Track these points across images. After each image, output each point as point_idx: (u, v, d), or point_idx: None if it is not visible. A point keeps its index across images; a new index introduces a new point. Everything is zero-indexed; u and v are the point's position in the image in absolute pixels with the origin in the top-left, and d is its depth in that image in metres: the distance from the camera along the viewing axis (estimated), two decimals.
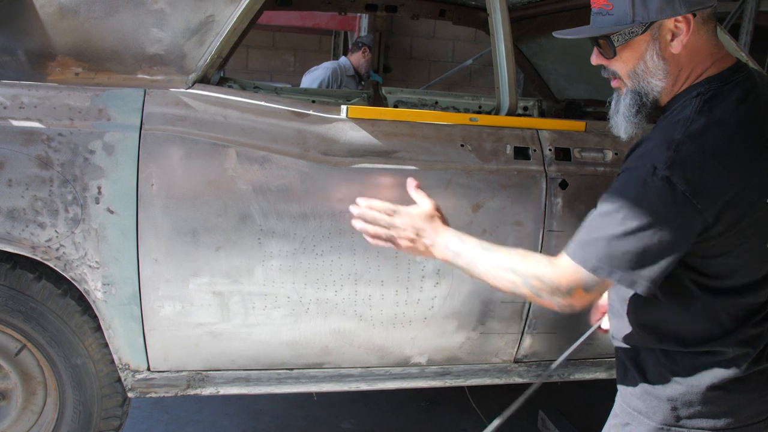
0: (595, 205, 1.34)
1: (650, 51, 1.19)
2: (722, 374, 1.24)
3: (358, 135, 1.78)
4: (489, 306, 1.92)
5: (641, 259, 1.14)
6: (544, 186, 1.87)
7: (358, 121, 1.80)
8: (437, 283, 1.86)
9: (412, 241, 1.34)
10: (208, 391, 1.86)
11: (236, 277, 1.74)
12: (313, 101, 3.67)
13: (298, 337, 1.83)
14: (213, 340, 1.79)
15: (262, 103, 1.75)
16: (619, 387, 1.38)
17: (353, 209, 1.35)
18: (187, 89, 1.71)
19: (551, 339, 2.04)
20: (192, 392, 1.86)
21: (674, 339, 1.26)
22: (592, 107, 3.73)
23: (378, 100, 3.86)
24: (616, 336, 1.39)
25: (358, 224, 1.35)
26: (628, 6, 1.16)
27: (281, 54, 6.46)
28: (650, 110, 1.25)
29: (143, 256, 1.67)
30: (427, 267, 1.84)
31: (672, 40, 1.17)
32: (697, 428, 1.27)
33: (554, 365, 1.74)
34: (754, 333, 1.24)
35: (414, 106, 3.94)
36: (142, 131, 1.65)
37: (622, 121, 1.27)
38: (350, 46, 5.08)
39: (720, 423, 1.27)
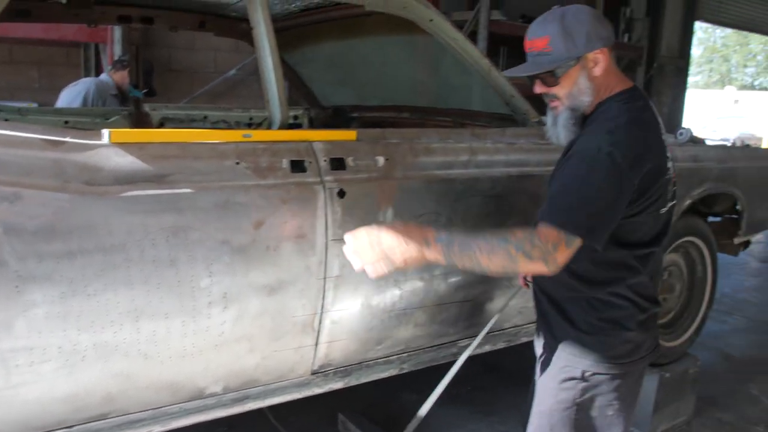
0: (372, 211, 1.90)
1: (581, 77, 1.64)
2: (631, 317, 1.67)
3: (124, 161, 1.65)
4: (279, 323, 1.90)
5: (594, 215, 1.52)
6: (322, 197, 1.89)
7: (123, 145, 1.67)
8: (225, 308, 1.80)
9: (404, 252, 1.53)
10: None
11: None
12: (66, 122, 3.35)
13: (76, 389, 1.65)
14: None
15: (7, 132, 1.54)
16: (550, 341, 1.76)
17: (346, 250, 1.59)
18: None
19: (345, 345, 2.08)
20: None
21: (593, 282, 1.66)
22: (357, 112, 3.88)
23: (141, 118, 3.64)
24: (549, 291, 1.76)
25: (357, 266, 1.57)
26: (563, 48, 1.60)
27: (23, 69, 5.80)
28: (581, 121, 1.68)
29: None
30: (213, 292, 1.77)
31: (594, 66, 1.63)
32: (621, 362, 1.68)
33: (481, 334, 2.23)
34: (646, 282, 1.70)
35: (181, 122, 3.77)
36: None
37: (562, 131, 1.69)
38: (112, 63, 4.72)
39: (633, 356, 1.70)
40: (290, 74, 3.88)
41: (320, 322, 1.98)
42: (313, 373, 2.06)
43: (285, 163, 1.86)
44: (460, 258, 1.53)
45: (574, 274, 1.65)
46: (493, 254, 1.50)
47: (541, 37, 1.64)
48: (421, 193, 2.10)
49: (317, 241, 1.90)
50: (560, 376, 1.72)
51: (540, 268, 1.51)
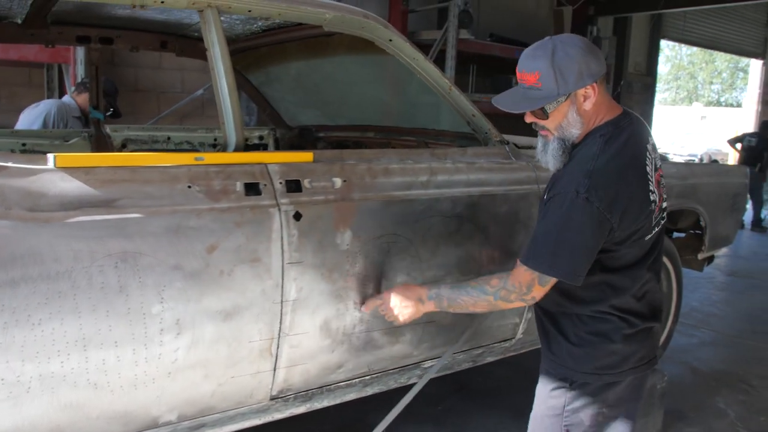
0: (330, 233, 1.97)
1: (571, 111, 1.68)
2: (620, 331, 1.74)
3: (70, 186, 1.61)
4: (235, 348, 1.86)
5: (571, 257, 1.63)
6: (278, 220, 1.87)
7: (69, 170, 1.63)
8: (178, 334, 1.76)
9: (406, 307, 1.92)
10: None
11: None
12: (24, 144, 3.29)
13: (21, 423, 1.59)
14: None
15: None
16: (546, 352, 1.86)
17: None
18: None
19: (305, 369, 2.05)
20: None
21: (578, 301, 1.74)
22: (323, 132, 3.87)
23: (102, 140, 3.58)
24: (545, 307, 1.84)
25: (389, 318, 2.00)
26: (553, 85, 1.64)
27: None
28: (570, 150, 1.73)
29: None
30: (166, 319, 1.73)
31: (584, 101, 1.67)
32: (607, 373, 1.76)
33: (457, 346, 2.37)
34: (632, 302, 1.76)
35: (144, 143, 3.72)
36: None
37: (551, 160, 1.74)
38: (75, 85, 4.66)
39: (620, 368, 1.77)
40: (255, 95, 3.86)
41: (278, 347, 1.94)
42: (273, 398, 2.02)
43: (239, 186, 1.83)
44: (451, 309, 1.86)
45: (562, 293, 1.76)
46: (477, 304, 1.79)
47: (531, 72, 1.66)
48: (380, 215, 2.08)
49: (273, 265, 1.87)
50: (551, 385, 1.83)
51: (519, 304, 1.75)
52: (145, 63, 6.10)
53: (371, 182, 2.08)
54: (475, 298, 1.78)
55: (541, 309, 1.87)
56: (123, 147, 3.65)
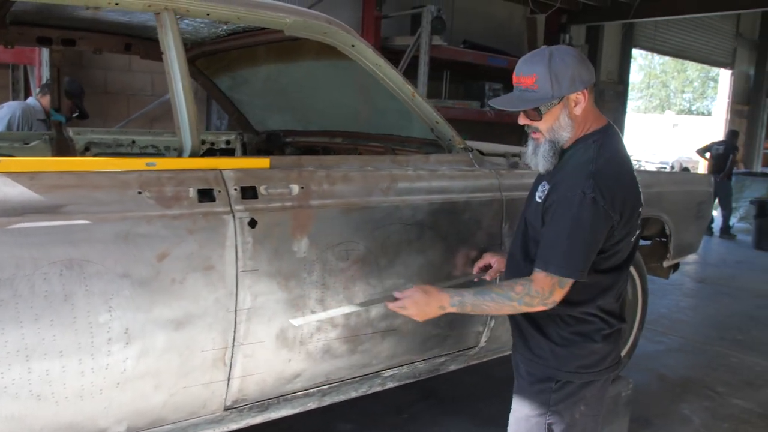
0: (286, 240, 1.94)
1: (563, 114, 1.80)
2: (601, 331, 1.84)
3: (13, 191, 1.57)
4: (187, 358, 1.82)
5: (584, 256, 1.73)
6: (232, 227, 1.83)
7: (13, 174, 1.58)
8: (127, 344, 1.71)
9: (426, 315, 1.91)
10: None
11: None
12: None
13: None
14: None
15: None
16: (526, 353, 1.92)
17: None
18: None
19: (261, 379, 2.01)
20: None
21: (570, 303, 1.80)
22: (291, 137, 3.84)
23: (63, 143, 3.51)
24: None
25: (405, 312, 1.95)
26: (549, 88, 1.76)
27: None
28: (559, 153, 1.84)
29: None
30: (114, 328, 1.69)
31: (575, 106, 1.79)
32: (587, 372, 1.85)
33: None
34: (612, 302, 1.87)
35: (108, 146, 3.66)
36: None
37: (542, 161, 1.84)
38: (40, 87, 4.56)
39: (599, 367, 1.86)
40: (222, 99, 3.82)
41: (232, 357, 1.91)
42: (227, 408, 1.98)
43: (192, 192, 1.79)
44: (473, 313, 1.91)
45: None
46: (501, 309, 1.83)
47: (528, 75, 1.78)
48: (339, 222, 2.06)
49: (227, 273, 1.83)
50: (534, 385, 1.90)
51: (542, 308, 1.79)
52: (114, 65, 6.01)
53: (330, 189, 2.05)
54: (500, 304, 1.82)
55: (524, 314, 1.91)
56: (86, 150, 3.58)
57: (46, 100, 4.23)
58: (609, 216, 1.71)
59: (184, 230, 1.76)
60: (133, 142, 3.69)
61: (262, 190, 1.92)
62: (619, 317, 1.91)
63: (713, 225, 10.22)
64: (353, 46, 2.31)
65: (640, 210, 1.84)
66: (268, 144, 3.94)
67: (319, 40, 2.27)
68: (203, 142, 3.87)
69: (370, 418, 3.26)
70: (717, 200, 10.16)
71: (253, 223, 1.87)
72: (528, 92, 1.79)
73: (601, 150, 1.79)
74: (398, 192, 2.22)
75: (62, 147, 3.45)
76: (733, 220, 10.51)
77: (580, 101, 1.79)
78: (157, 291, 1.73)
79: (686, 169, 12.38)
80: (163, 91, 6.19)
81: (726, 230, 10.01)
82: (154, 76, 6.19)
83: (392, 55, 7.54)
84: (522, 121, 1.87)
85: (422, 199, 2.27)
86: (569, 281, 1.75)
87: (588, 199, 1.70)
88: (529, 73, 1.78)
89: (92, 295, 1.64)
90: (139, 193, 1.72)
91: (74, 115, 4.52)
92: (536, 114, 1.81)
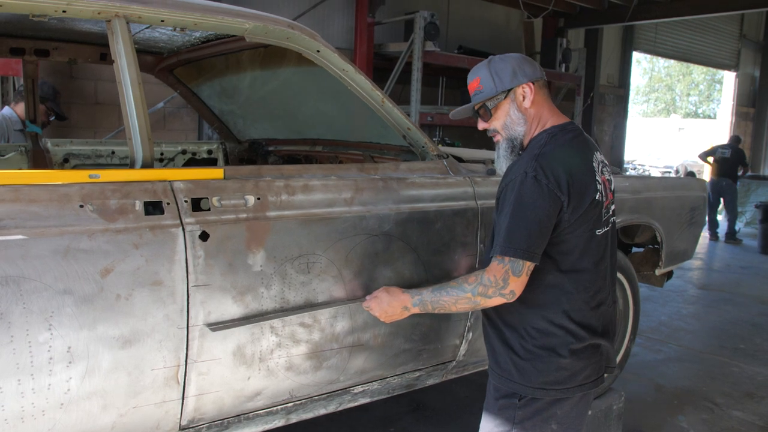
0: (241, 254, 1.89)
1: (512, 108, 1.86)
2: (568, 345, 1.77)
3: None
4: (137, 377, 1.75)
5: (527, 234, 1.68)
6: (182, 240, 1.76)
7: None
8: (70, 363, 1.64)
9: (391, 317, 1.97)
10: None
11: None
12: None
13: None
14: None
15: None
16: (494, 367, 1.88)
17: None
18: None
19: (218, 398, 1.93)
20: None
21: (531, 304, 1.78)
22: (274, 146, 3.78)
23: (39, 154, 3.47)
24: (492, 317, 1.88)
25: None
26: (491, 84, 1.86)
27: None
28: (519, 151, 1.87)
29: None
30: (55, 347, 1.61)
31: (524, 99, 1.85)
32: (554, 388, 1.78)
33: None
34: (585, 309, 1.80)
35: (87, 158, 3.62)
36: None
37: (502, 161, 1.88)
38: (13, 95, 4.52)
39: (568, 384, 1.79)
40: (202, 109, 3.76)
41: (186, 375, 1.83)
42: (183, 428, 1.91)
43: (138, 205, 1.72)
44: (437, 311, 1.87)
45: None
46: (458, 303, 1.80)
47: (473, 80, 1.91)
48: (298, 234, 1.98)
49: (177, 288, 1.76)
50: (499, 400, 1.85)
51: (501, 300, 1.74)
52: (105, 75, 5.97)
53: (288, 200, 1.98)
54: (455, 297, 1.80)
55: (489, 321, 1.90)
56: (65, 162, 3.54)
57: (20, 108, 4.16)
58: (554, 195, 1.70)
59: (129, 244, 1.68)
60: (113, 152, 3.65)
61: (214, 201, 1.84)
62: (593, 331, 1.82)
63: (718, 230, 10.08)
64: (318, 51, 2.24)
65: (598, 199, 1.79)
66: (251, 153, 3.88)
67: (283, 46, 2.20)
68: (184, 152, 3.82)
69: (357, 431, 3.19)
70: (722, 204, 10.03)
71: (204, 236, 1.79)
72: (476, 94, 1.90)
73: (552, 138, 1.82)
74: (363, 202, 2.14)
75: (38, 158, 3.40)
76: (739, 225, 10.36)
77: (527, 94, 1.85)
78: (101, 308, 1.66)
79: (691, 173, 12.26)
80: (153, 101, 6.15)
81: (731, 235, 9.87)
82: (146, 86, 6.12)
83: (386, 62, 7.49)
84: (480, 126, 1.94)
85: (389, 208, 2.19)
86: (522, 267, 1.70)
87: (529, 178, 1.71)
88: (474, 77, 1.91)
89: (30, 313, 1.57)
90: (81, 206, 1.65)
91: (51, 118, 4.39)
92: (486, 112, 1.89)
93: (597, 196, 1.79)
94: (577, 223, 1.74)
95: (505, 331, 1.84)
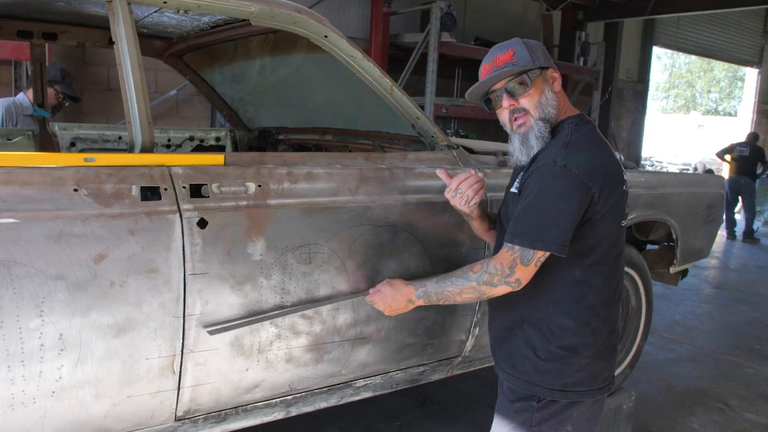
0: (240, 242, 1.82)
1: (546, 88, 1.74)
2: (587, 345, 1.71)
3: None
4: (131, 366, 1.71)
5: (559, 227, 1.59)
6: (179, 227, 1.71)
7: None
8: (62, 350, 1.60)
9: (396, 310, 1.91)
10: None
11: None
12: None
13: None
14: None
15: None
16: (508, 369, 1.80)
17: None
18: None
19: (215, 389, 1.89)
20: None
21: (560, 302, 1.71)
22: (284, 135, 3.73)
23: (47, 139, 3.44)
24: (514, 315, 1.79)
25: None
26: (528, 57, 1.72)
27: None
28: (547, 138, 1.74)
29: None
30: (46, 333, 1.58)
31: (554, 82, 1.77)
32: (574, 390, 1.72)
33: None
34: (614, 309, 1.77)
35: (94, 142, 3.59)
36: None
37: (535, 142, 1.73)
38: (27, 81, 4.51)
39: (588, 386, 1.73)
40: (212, 95, 3.72)
41: (182, 365, 1.79)
42: (178, 419, 1.87)
43: (135, 190, 1.68)
44: (442, 302, 1.81)
45: (540, 294, 1.73)
46: (463, 293, 1.74)
47: (505, 52, 1.74)
48: (300, 223, 1.92)
49: (173, 276, 1.71)
50: (515, 403, 1.78)
51: (506, 289, 1.68)
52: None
53: (291, 188, 1.92)
54: (460, 286, 1.74)
55: (507, 320, 1.82)
56: (72, 146, 3.52)
57: (31, 93, 4.14)
58: (585, 185, 1.61)
59: (124, 230, 1.64)
60: (120, 138, 3.62)
61: (214, 188, 1.79)
62: (612, 326, 1.78)
63: (736, 228, 9.92)
64: (326, 36, 2.18)
65: (625, 189, 1.74)
66: (261, 141, 3.84)
67: (290, 31, 2.15)
68: (191, 139, 3.78)
69: (361, 425, 3.14)
70: (741, 203, 9.87)
71: (202, 224, 1.75)
72: (508, 66, 1.72)
73: (577, 127, 1.74)
74: (368, 192, 2.08)
75: (45, 143, 3.38)
76: (757, 224, 10.18)
77: (557, 78, 1.78)
78: (94, 295, 1.62)
79: (710, 171, 12.09)
80: (166, 88, 6.13)
81: (749, 234, 9.70)
82: (158, 73, 6.13)
83: (402, 53, 7.41)
84: (506, 102, 1.76)
85: (395, 199, 2.13)
86: (532, 256, 1.63)
87: (558, 167, 1.62)
88: (505, 50, 1.75)
89: (21, 299, 1.53)
90: (75, 190, 1.60)
91: (61, 101, 4.27)
92: (523, 87, 1.73)
93: (624, 186, 1.74)
94: (608, 215, 1.67)
95: (528, 330, 1.76)
